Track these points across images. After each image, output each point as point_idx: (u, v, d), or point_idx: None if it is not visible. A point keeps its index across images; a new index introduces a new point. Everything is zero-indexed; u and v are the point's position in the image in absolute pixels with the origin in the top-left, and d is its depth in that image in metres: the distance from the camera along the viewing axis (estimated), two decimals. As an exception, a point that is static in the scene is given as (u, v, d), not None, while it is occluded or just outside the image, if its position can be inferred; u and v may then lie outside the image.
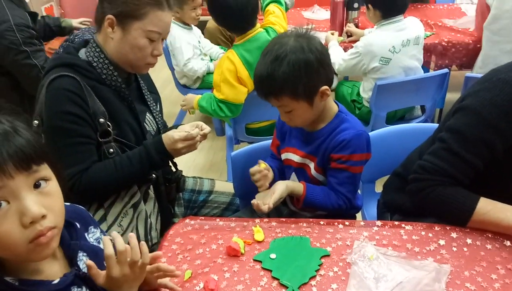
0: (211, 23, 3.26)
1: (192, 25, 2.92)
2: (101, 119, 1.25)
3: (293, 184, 1.31)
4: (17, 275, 0.74)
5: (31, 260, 0.74)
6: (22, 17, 1.97)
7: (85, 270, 0.82)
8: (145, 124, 1.43)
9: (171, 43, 2.80)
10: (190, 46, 2.81)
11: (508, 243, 1.07)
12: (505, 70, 1.10)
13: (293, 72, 1.16)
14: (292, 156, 1.37)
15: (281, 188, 1.26)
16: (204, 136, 1.34)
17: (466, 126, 1.11)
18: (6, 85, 2.08)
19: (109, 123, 1.27)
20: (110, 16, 1.26)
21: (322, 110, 1.27)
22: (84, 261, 0.84)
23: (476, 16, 2.48)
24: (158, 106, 1.53)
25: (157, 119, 1.49)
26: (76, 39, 1.59)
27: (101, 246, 0.87)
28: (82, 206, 0.97)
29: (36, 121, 1.23)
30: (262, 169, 1.31)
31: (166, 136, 1.30)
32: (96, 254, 0.87)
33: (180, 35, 2.79)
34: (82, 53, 1.33)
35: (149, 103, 1.47)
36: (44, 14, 3.99)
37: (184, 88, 2.98)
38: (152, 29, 1.26)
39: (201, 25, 3.09)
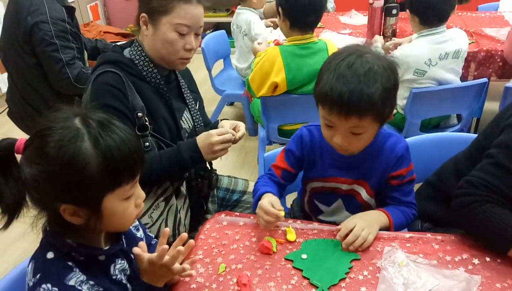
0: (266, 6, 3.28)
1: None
2: (139, 114, 1.32)
3: (381, 221, 1.18)
4: (77, 240, 0.87)
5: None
6: (58, 11, 2.05)
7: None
8: (181, 121, 1.48)
9: (250, 30, 2.85)
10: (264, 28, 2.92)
11: (543, 258, 1.05)
12: None
13: (384, 92, 1.06)
14: (338, 185, 1.28)
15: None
16: (237, 140, 1.38)
17: None
18: (43, 76, 2.13)
19: (147, 119, 1.34)
20: (143, 14, 1.35)
21: None
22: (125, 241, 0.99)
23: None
24: (197, 105, 1.58)
25: (194, 118, 1.54)
26: None
27: (138, 233, 1.06)
28: None
29: None
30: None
31: (202, 134, 1.36)
32: (134, 239, 1.03)
33: (257, 21, 2.86)
34: (127, 52, 1.42)
35: (187, 101, 1.52)
36: (89, 12, 4.16)
37: (219, 89, 3.07)
38: (179, 22, 1.31)
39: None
